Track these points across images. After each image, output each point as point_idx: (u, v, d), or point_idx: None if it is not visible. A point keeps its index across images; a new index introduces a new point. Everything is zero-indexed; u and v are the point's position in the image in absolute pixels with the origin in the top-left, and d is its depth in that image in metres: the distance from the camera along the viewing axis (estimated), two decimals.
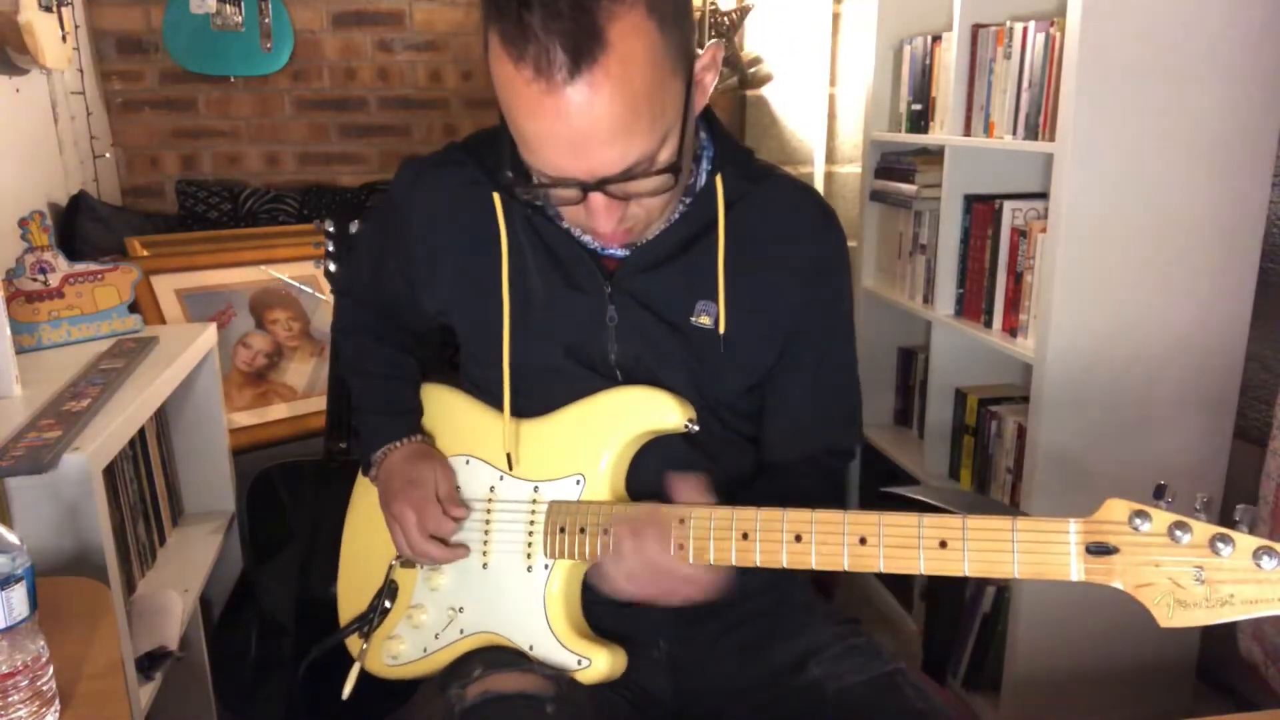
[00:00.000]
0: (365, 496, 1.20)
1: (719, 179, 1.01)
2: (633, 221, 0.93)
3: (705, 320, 1.02)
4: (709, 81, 0.92)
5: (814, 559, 0.87)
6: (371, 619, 1.13)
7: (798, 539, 0.88)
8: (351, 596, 1.20)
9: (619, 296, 1.01)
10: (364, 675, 1.13)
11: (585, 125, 0.81)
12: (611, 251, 1.02)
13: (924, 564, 0.83)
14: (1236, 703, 1.77)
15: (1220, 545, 0.72)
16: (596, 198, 0.87)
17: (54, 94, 2.39)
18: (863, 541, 0.85)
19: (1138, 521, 0.76)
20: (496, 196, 1.03)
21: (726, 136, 1.04)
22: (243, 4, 2.84)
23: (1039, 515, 0.81)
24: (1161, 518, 0.75)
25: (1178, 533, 0.74)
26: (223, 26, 2.84)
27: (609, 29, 0.78)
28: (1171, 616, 0.74)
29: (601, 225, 0.89)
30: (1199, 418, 1.74)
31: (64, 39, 2.19)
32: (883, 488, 1.29)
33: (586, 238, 1.02)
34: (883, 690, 0.97)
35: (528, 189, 0.96)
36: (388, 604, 1.13)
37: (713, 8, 2.87)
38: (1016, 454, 1.89)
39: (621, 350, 1.03)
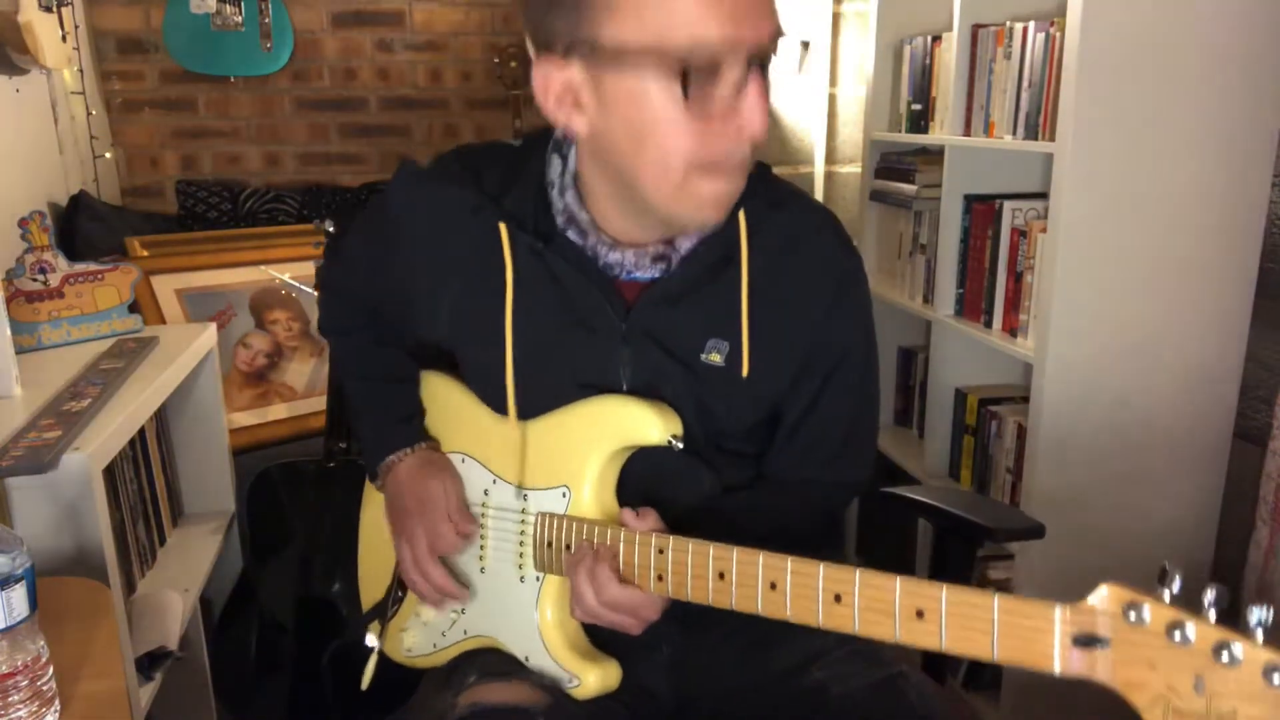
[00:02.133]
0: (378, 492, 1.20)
1: (741, 211, 0.97)
2: (757, 143, 0.89)
3: (715, 358, 0.98)
4: None
5: (789, 610, 0.82)
6: (386, 610, 1.13)
7: (773, 586, 0.83)
8: (369, 584, 1.20)
9: (634, 336, 0.98)
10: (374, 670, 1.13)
11: None
12: (635, 275, 0.98)
13: (900, 632, 0.76)
14: None
15: (1225, 655, 0.62)
16: (755, 83, 0.84)
17: (54, 94, 2.39)
18: (838, 599, 0.79)
19: (1133, 614, 0.66)
20: (503, 226, 0.98)
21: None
22: (243, 4, 2.84)
23: (1022, 597, 0.72)
24: (1160, 613, 0.65)
25: (1177, 633, 0.64)
26: (223, 26, 2.84)
27: None
28: None
29: (757, 117, 0.84)
30: (1199, 417, 1.74)
31: (64, 39, 2.19)
32: (883, 488, 1.28)
33: (614, 256, 0.97)
34: (885, 694, 0.96)
35: (537, 212, 0.93)
36: (400, 594, 1.13)
37: None
38: (1016, 454, 1.89)
39: (633, 383, 1.00)
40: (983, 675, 1.91)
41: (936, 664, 1.16)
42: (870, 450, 1.13)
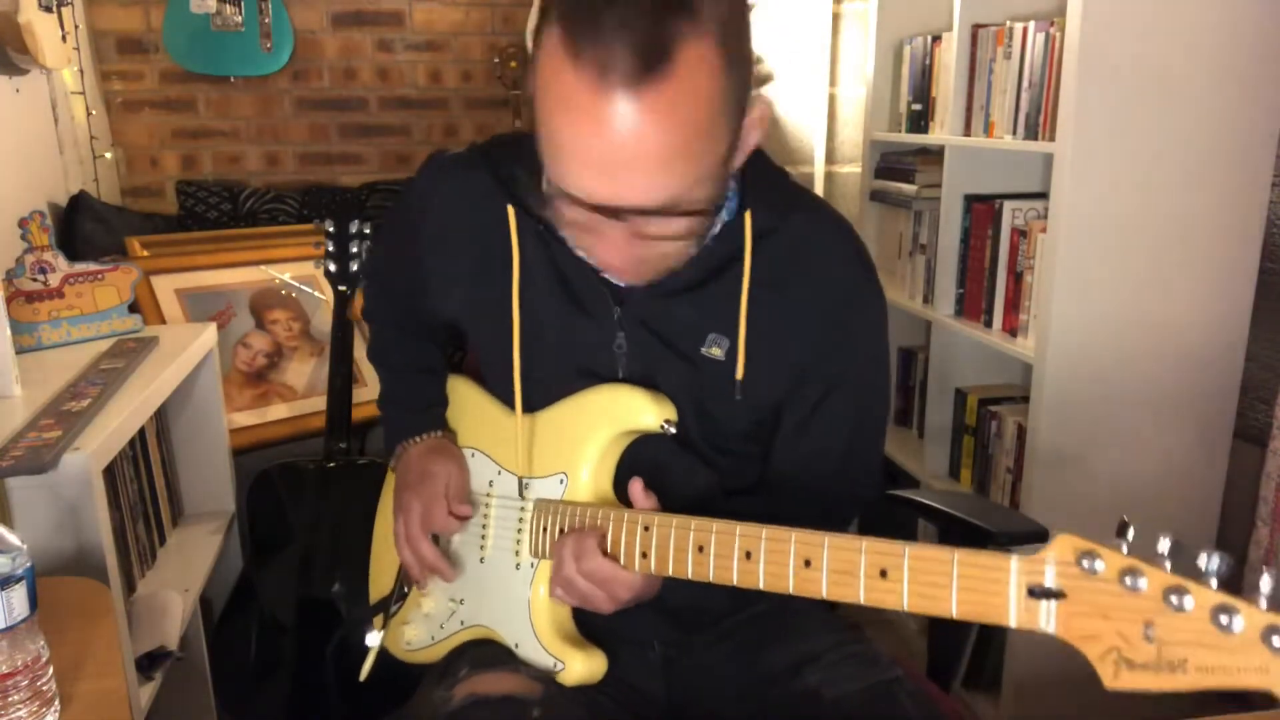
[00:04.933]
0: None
1: (747, 216, 0.97)
2: (645, 265, 0.90)
3: (716, 352, 0.99)
4: (752, 142, 0.88)
5: (761, 579, 0.83)
6: (390, 604, 1.14)
7: (748, 556, 0.84)
8: (379, 578, 1.22)
9: (628, 324, 0.99)
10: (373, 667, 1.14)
11: (626, 145, 0.76)
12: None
13: (864, 593, 0.77)
14: (1237, 703, 1.77)
15: (1174, 598, 0.61)
16: (614, 228, 0.83)
17: (54, 94, 2.39)
18: (807, 564, 0.80)
19: (1086, 562, 0.65)
20: (511, 211, 1.01)
21: (764, 166, 0.98)
22: (243, 4, 2.84)
23: (982, 550, 0.72)
24: (1114, 560, 0.64)
25: (1128, 579, 0.63)
26: (223, 27, 2.84)
27: (679, 51, 0.74)
28: (1117, 676, 0.64)
29: (612, 258, 0.86)
30: (1199, 418, 1.74)
31: (64, 39, 2.19)
32: (889, 491, 1.28)
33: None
34: (879, 699, 0.96)
35: (541, 201, 0.90)
36: (405, 589, 1.14)
37: None
38: (1016, 454, 1.89)
39: (629, 373, 1.01)
40: (982, 675, 1.91)
41: (941, 672, 1.16)
42: (875, 470, 1.11)
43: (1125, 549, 0.65)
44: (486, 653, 1.04)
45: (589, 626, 1.03)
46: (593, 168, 0.79)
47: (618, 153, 0.77)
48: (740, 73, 0.81)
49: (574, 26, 0.75)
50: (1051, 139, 1.65)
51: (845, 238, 1.03)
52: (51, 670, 0.78)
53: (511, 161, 1.02)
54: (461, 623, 1.09)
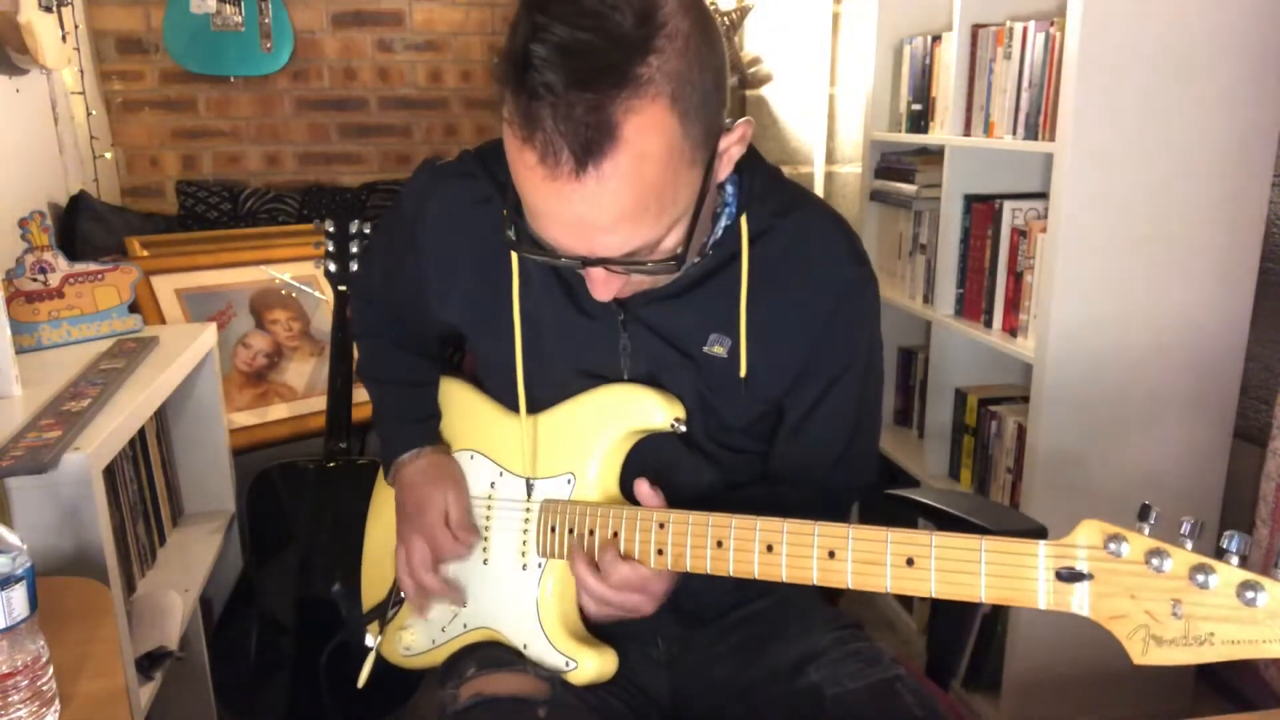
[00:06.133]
0: (387, 488, 1.21)
1: (743, 219, 0.99)
2: (632, 289, 0.93)
3: (718, 350, 1.00)
4: (736, 153, 0.89)
5: (784, 571, 0.84)
6: (387, 609, 1.14)
7: (769, 549, 0.85)
8: (372, 586, 1.21)
9: (632, 324, 1.00)
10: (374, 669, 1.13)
11: (588, 214, 0.80)
12: None
13: (891, 582, 0.78)
14: (1236, 703, 1.77)
15: (1200, 577, 0.64)
16: (594, 270, 0.87)
17: (54, 94, 2.39)
18: (831, 555, 0.81)
19: (1113, 546, 0.68)
20: (508, 215, 1.01)
21: (758, 168, 1.00)
22: (243, 4, 2.84)
23: (1008, 538, 0.74)
24: (1139, 543, 0.68)
25: (1155, 560, 0.67)
26: (223, 27, 2.84)
27: (624, 124, 0.76)
28: (1146, 653, 0.67)
29: (597, 293, 0.89)
30: (1199, 418, 1.74)
31: (64, 39, 2.19)
32: (887, 490, 1.28)
33: None
34: (881, 696, 0.97)
35: (528, 247, 0.92)
36: (401, 595, 1.14)
37: (712, 7, 2.87)
38: (1016, 454, 1.89)
39: (633, 373, 1.02)
40: (982, 675, 1.91)
41: (940, 670, 1.16)
42: (873, 457, 1.13)
43: (1147, 531, 0.68)
44: (494, 653, 1.04)
45: (593, 625, 1.03)
46: (560, 230, 0.83)
47: (580, 219, 0.81)
48: (705, 112, 0.81)
49: (517, 106, 0.77)
50: (1051, 139, 1.65)
51: (839, 233, 1.04)
52: (51, 670, 0.78)
53: (505, 166, 1.02)
54: (464, 625, 1.08)
